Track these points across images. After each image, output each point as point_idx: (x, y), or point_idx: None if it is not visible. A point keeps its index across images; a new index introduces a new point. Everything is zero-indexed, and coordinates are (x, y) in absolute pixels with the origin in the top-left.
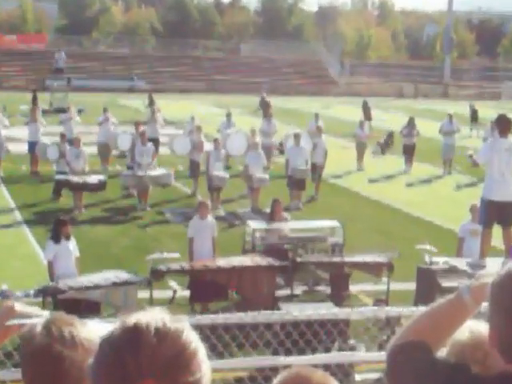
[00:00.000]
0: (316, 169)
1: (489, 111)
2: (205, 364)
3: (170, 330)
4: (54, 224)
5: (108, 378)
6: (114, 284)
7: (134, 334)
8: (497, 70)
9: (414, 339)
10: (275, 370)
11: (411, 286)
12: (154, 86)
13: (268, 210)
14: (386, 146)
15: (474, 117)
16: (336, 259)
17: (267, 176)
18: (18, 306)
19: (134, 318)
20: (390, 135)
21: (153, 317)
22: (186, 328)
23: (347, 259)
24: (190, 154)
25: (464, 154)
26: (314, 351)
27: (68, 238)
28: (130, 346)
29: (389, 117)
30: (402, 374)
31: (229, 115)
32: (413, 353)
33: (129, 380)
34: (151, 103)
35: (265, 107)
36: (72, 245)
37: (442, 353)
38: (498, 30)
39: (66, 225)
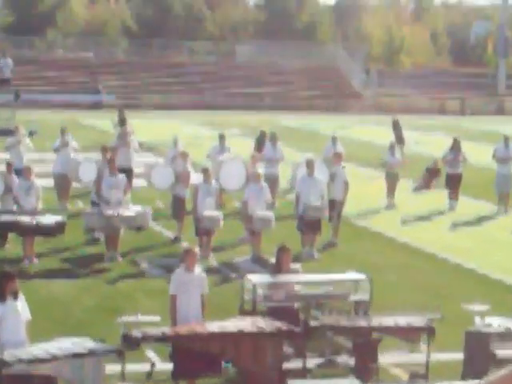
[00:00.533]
0: (334, 206)
1: None
2: None
3: None
4: None
5: None
6: (76, 355)
7: None
8: None
9: None
10: None
11: (458, 355)
12: (125, 100)
13: (273, 260)
14: (432, 177)
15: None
16: (361, 322)
17: (272, 215)
18: None
19: None
20: (435, 164)
21: None
22: None
23: (375, 322)
24: (172, 187)
25: None
26: None
27: (16, 296)
28: None
29: (428, 139)
30: None
31: (222, 138)
32: None
33: None
34: (122, 122)
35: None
36: (21, 305)
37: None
38: None
39: (14, 279)
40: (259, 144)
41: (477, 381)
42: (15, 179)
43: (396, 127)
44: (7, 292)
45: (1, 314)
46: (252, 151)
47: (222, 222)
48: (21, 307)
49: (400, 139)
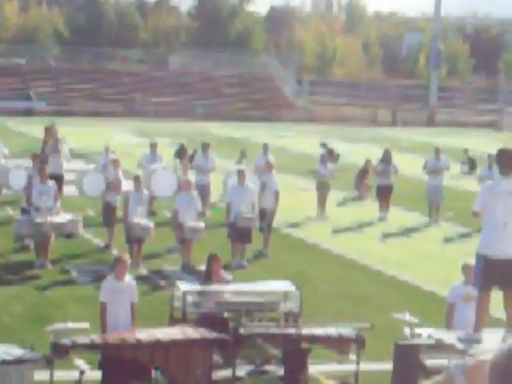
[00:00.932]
0: (265, 215)
1: (485, 145)
2: None
3: None
4: None
5: None
6: (4, 362)
7: None
8: (496, 91)
9: None
10: None
11: (387, 366)
12: (57, 107)
13: (203, 268)
14: (362, 178)
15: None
16: (290, 331)
17: (202, 224)
18: None
19: None
20: (367, 163)
21: None
22: None
23: (305, 331)
24: (103, 195)
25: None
26: None
27: None
28: None
29: (359, 150)
30: None
31: (153, 146)
32: None
33: None
34: (48, 131)
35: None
36: None
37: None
38: (497, 41)
39: None
40: (180, 155)
41: None
42: None
43: (326, 149)
44: None
45: None
46: (179, 160)
47: (152, 230)
48: None
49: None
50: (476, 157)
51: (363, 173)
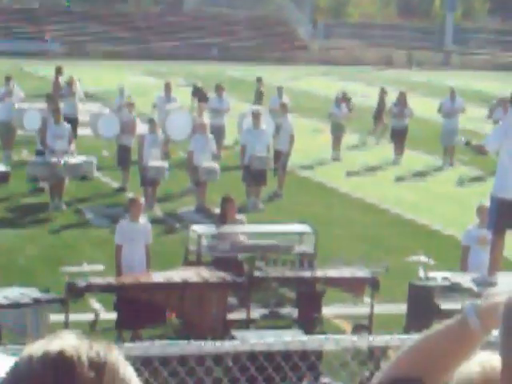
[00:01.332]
0: (280, 157)
1: (501, 87)
2: None
3: (107, 360)
4: None
5: None
6: (19, 304)
7: (63, 366)
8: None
9: (405, 375)
10: None
11: (401, 308)
12: (71, 48)
13: (218, 211)
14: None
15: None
16: (305, 274)
17: (217, 166)
18: None
19: (54, 345)
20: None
21: (77, 344)
22: (121, 359)
23: (319, 274)
24: (118, 137)
25: (458, 141)
26: None
27: None
28: (60, 382)
29: (374, 92)
30: None
31: (168, 87)
32: None
33: None
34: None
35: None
36: None
37: None
38: None
39: None
40: (195, 97)
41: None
42: None
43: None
44: None
45: None
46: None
47: (167, 173)
48: None
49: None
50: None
51: (380, 102)
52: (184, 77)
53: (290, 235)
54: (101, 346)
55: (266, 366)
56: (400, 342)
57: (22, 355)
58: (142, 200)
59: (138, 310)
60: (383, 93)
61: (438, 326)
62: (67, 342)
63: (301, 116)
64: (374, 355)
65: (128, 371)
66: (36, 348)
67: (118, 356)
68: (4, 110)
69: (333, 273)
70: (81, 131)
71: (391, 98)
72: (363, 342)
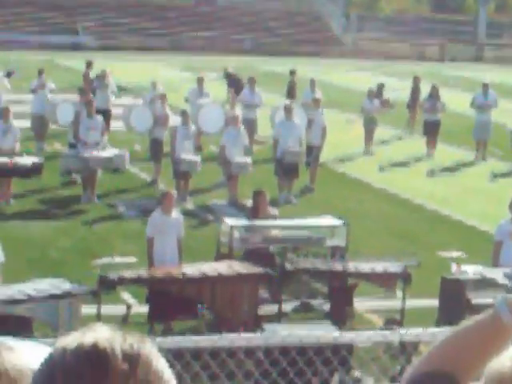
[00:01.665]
0: (312, 151)
1: None
2: None
3: (140, 353)
4: None
5: None
6: (51, 296)
7: (97, 358)
8: None
9: (436, 370)
10: None
11: (433, 302)
12: (104, 41)
13: (250, 204)
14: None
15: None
16: (337, 267)
17: (249, 160)
18: None
19: (88, 338)
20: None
21: (111, 336)
22: (154, 351)
23: (351, 267)
24: (150, 130)
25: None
26: None
27: None
28: (94, 375)
29: (406, 86)
30: None
31: (200, 81)
32: None
33: None
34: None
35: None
36: None
37: None
38: None
39: None
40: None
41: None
42: None
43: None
44: None
45: None
46: (229, 94)
47: (199, 166)
48: None
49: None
50: None
51: (415, 89)
52: (216, 70)
53: (321, 228)
54: (134, 339)
55: (298, 359)
56: (431, 336)
57: (55, 347)
58: (175, 193)
59: (169, 302)
60: (417, 80)
61: (469, 321)
62: (101, 335)
63: (333, 109)
64: (406, 349)
65: (161, 363)
66: (70, 340)
67: (151, 348)
68: (37, 103)
69: (365, 266)
70: (113, 124)
71: (424, 92)
72: (395, 336)
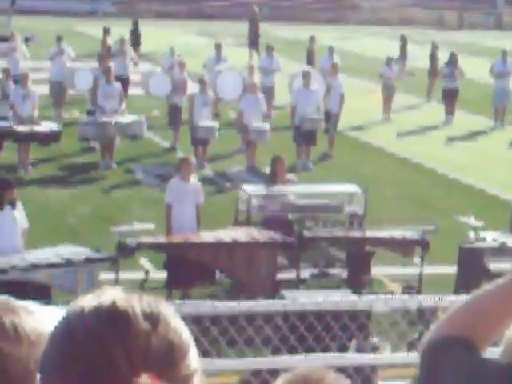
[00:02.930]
0: (330, 118)
1: None
2: (197, 355)
3: (160, 312)
4: None
5: (84, 379)
6: (70, 262)
7: (118, 318)
8: None
9: (454, 334)
10: (275, 373)
11: (451, 269)
12: (122, 7)
13: (268, 171)
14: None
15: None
16: (355, 234)
17: (267, 126)
18: None
19: (105, 298)
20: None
21: (128, 297)
22: (171, 310)
23: (369, 234)
24: (169, 96)
25: None
26: (325, 350)
27: (13, 204)
28: (117, 333)
29: (425, 53)
30: (439, 378)
31: (218, 47)
32: (453, 352)
33: (118, 379)
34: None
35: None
36: (19, 213)
37: (492, 353)
38: None
39: (11, 187)
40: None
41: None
42: (12, 86)
43: (403, 44)
44: (4, 200)
45: None
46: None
47: (217, 132)
48: (18, 216)
49: (404, 55)
50: None
51: (432, 59)
52: (234, 37)
53: (339, 195)
54: (151, 298)
55: (316, 325)
56: (449, 302)
57: (71, 308)
58: (193, 160)
59: (187, 269)
60: (435, 48)
61: (487, 286)
62: (118, 295)
63: (351, 76)
64: (424, 316)
65: (179, 322)
66: (86, 301)
67: (168, 308)
68: (56, 70)
69: (382, 233)
70: (132, 91)
71: (442, 59)
72: (413, 302)
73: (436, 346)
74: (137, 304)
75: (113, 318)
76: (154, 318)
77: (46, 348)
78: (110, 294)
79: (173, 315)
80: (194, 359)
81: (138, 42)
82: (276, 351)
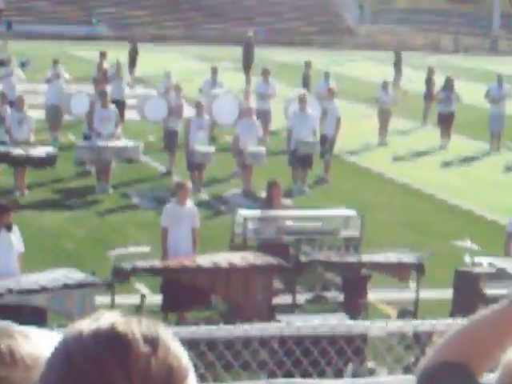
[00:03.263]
0: (326, 142)
1: None
2: (195, 380)
3: (159, 336)
4: None
5: None
6: (66, 286)
7: (117, 341)
8: None
9: (450, 360)
10: None
11: (447, 293)
12: (118, 31)
13: (264, 195)
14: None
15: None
16: (351, 258)
17: (263, 150)
18: None
19: (103, 321)
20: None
21: (126, 320)
22: (170, 334)
23: (365, 258)
24: (165, 120)
25: None
26: (321, 375)
27: (9, 227)
28: (116, 357)
29: (421, 77)
30: None
31: (214, 71)
32: (450, 378)
33: None
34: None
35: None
36: (14, 237)
37: (489, 379)
38: None
39: (8, 211)
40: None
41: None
42: (7, 110)
43: (397, 59)
44: (1, 224)
45: None
46: (244, 86)
47: (213, 156)
48: (14, 239)
49: (399, 70)
50: None
51: (428, 83)
52: (230, 60)
53: (335, 219)
54: (150, 322)
55: (312, 349)
56: (445, 327)
57: (69, 332)
58: (190, 184)
59: (183, 293)
60: (431, 72)
61: (484, 311)
62: (116, 319)
63: (347, 101)
64: (420, 340)
65: (178, 346)
66: (84, 325)
67: (166, 331)
68: (52, 93)
69: (378, 258)
70: (128, 115)
71: (438, 83)
72: (408, 326)
73: (432, 372)
74: (136, 327)
75: (112, 341)
76: (153, 342)
77: (43, 372)
78: (108, 318)
79: (172, 339)
80: None
81: (134, 63)
82: (272, 375)
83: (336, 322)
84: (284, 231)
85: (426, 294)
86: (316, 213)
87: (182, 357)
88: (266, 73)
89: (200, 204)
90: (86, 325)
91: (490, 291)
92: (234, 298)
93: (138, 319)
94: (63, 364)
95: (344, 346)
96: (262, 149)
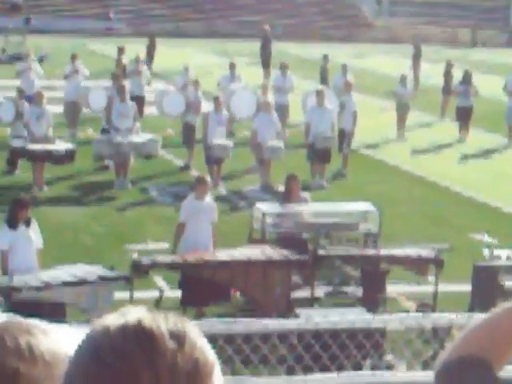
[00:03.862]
0: (344, 136)
1: None
2: (221, 375)
3: (186, 332)
4: (10, 205)
5: None
6: (85, 281)
7: (145, 337)
8: None
9: (470, 354)
10: None
11: (465, 287)
12: (136, 27)
13: (282, 189)
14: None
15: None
16: (369, 252)
17: (281, 145)
18: None
19: (130, 317)
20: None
21: (153, 316)
22: (196, 329)
23: (384, 252)
24: (183, 115)
25: None
26: (340, 369)
27: (28, 223)
28: (143, 352)
29: (439, 71)
30: None
31: (233, 66)
32: (469, 372)
33: None
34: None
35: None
36: (33, 232)
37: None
38: None
39: (26, 207)
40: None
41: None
42: (26, 106)
43: (417, 50)
44: (19, 219)
45: (12, 241)
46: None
47: (231, 151)
48: (33, 234)
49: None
50: None
51: (446, 77)
52: (248, 56)
53: (354, 214)
54: (176, 318)
55: (331, 344)
56: (464, 320)
57: (95, 328)
58: (209, 179)
59: (202, 287)
60: (449, 65)
61: (504, 305)
62: (143, 314)
63: (365, 94)
64: (439, 334)
65: (204, 342)
66: (111, 320)
67: (193, 327)
68: (70, 89)
69: (397, 251)
70: (146, 110)
71: (456, 76)
72: (427, 320)
73: (452, 367)
74: (163, 323)
75: (139, 336)
76: (180, 337)
77: (70, 367)
78: (135, 313)
79: (198, 335)
80: (218, 379)
81: (151, 58)
82: (291, 371)
83: (354, 317)
84: (302, 226)
85: (445, 288)
86: (334, 207)
87: (209, 352)
88: (283, 67)
89: (218, 198)
90: (112, 320)
91: (509, 284)
92: (253, 293)
93: (165, 315)
94: (90, 359)
95: (363, 340)
96: (280, 143)
